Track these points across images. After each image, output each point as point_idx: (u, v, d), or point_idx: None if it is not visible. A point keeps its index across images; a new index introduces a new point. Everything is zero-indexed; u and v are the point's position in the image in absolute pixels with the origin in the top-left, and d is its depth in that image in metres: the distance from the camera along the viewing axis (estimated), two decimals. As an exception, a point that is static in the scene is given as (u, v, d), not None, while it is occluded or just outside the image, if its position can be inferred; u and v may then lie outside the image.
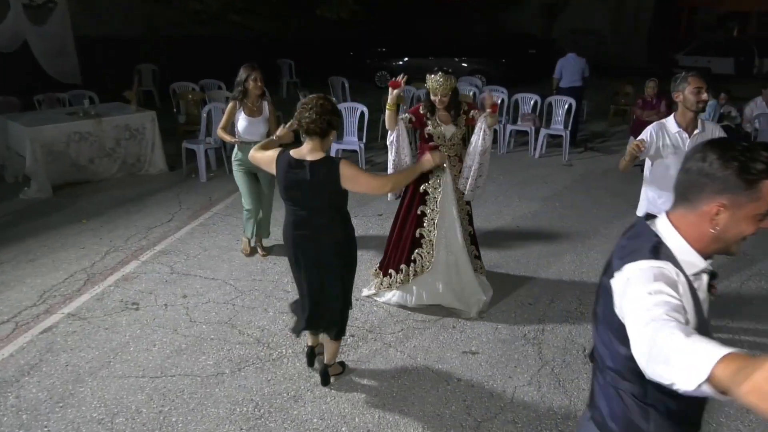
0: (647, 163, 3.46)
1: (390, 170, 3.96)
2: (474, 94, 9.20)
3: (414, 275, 4.02)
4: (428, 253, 3.98)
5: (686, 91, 3.20)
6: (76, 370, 3.41)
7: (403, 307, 4.11)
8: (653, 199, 3.47)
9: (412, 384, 3.33)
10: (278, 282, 4.53)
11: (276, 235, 5.39)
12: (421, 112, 3.89)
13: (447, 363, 3.53)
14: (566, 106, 8.50)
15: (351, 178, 2.77)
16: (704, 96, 3.15)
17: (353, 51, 18.34)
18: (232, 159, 4.75)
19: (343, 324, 3.21)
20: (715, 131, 3.34)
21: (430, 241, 3.97)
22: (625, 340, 1.31)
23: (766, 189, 1.23)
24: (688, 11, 31.35)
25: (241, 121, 4.59)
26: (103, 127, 6.59)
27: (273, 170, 2.91)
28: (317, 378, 3.33)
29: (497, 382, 3.36)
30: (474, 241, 4.18)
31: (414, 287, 4.06)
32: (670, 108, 7.83)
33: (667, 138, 3.29)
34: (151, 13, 11.37)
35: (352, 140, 7.60)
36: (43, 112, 7.30)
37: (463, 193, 3.99)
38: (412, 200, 3.99)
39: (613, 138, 10.07)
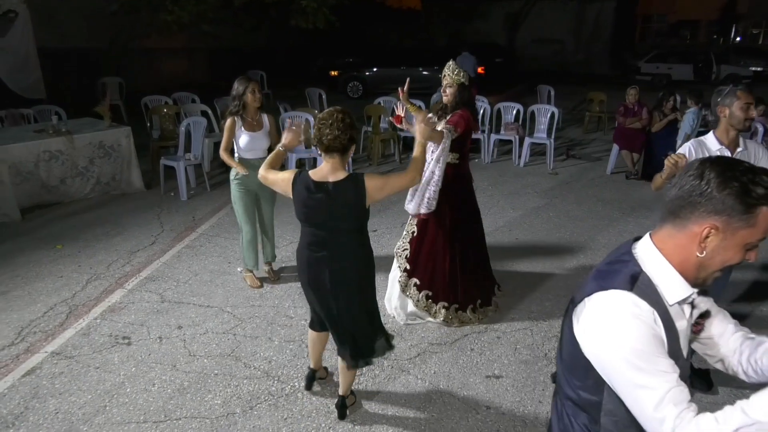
0: None
1: None
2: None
3: None
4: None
5: (734, 107, 2.94)
6: (68, 417, 3.07)
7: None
8: None
9: (439, 415, 3.12)
10: (279, 307, 4.26)
11: (281, 256, 5.10)
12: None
13: (472, 389, 3.34)
14: (549, 114, 8.50)
15: (381, 187, 2.63)
16: (753, 113, 2.94)
17: (321, 62, 18.19)
18: (231, 178, 4.37)
19: (363, 350, 2.92)
20: (759, 151, 3.09)
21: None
22: (578, 373, 1.28)
23: (762, 217, 1.12)
24: (642, 20, 32.46)
25: (243, 137, 4.27)
26: (75, 145, 6.17)
27: (289, 193, 2.68)
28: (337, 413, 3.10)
29: (528, 407, 3.18)
30: (410, 248, 3.91)
31: None
32: (651, 114, 7.96)
33: (706, 156, 3.14)
34: (116, 25, 10.88)
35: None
36: (8, 130, 6.81)
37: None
38: None
39: (592, 145, 10.16)
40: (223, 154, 4.31)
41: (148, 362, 3.57)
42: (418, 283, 3.92)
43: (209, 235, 5.63)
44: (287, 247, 5.35)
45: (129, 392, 3.28)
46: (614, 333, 1.15)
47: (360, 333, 2.88)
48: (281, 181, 2.72)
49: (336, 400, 3.10)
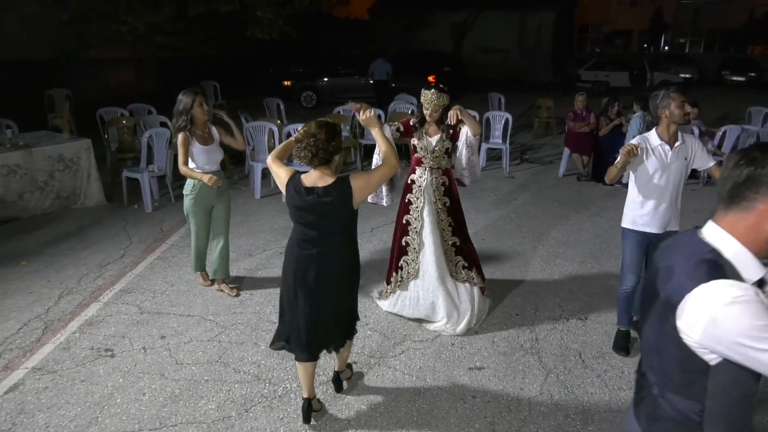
0: (631, 175, 3.62)
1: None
2: (412, 111, 9.39)
3: (400, 282, 4.18)
4: (413, 260, 4.13)
5: (672, 107, 3.34)
6: (59, 431, 3.05)
7: (397, 315, 4.25)
8: (638, 208, 3.60)
9: (429, 407, 3.28)
10: (261, 313, 4.32)
11: (246, 265, 5.17)
12: (411, 123, 4.08)
13: (457, 381, 3.52)
14: (503, 121, 8.87)
15: (366, 184, 2.81)
16: (688, 108, 3.38)
17: (273, 71, 18.16)
18: (186, 193, 4.33)
19: (351, 329, 3.22)
20: (695, 144, 3.50)
21: (414, 249, 4.12)
22: (686, 364, 1.37)
23: None
24: (579, 30, 34.06)
25: (198, 153, 4.20)
26: (33, 159, 5.99)
27: (283, 190, 2.85)
28: (333, 411, 3.20)
29: (510, 395, 3.39)
30: (462, 251, 4.17)
31: (399, 296, 4.22)
32: (599, 119, 8.46)
33: (650, 150, 3.47)
34: (64, 35, 10.55)
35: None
36: (-42, 145, 6.53)
37: (446, 205, 4.14)
38: (401, 210, 4.18)
39: (542, 149, 10.63)
40: (184, 169, 4.19)
41: (134, 373, 3.56)
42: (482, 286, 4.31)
43: (180, 246, 5.60)
44: (260, 255, 5.40)
45: (120, 402, 3.28)
46: (732, 319, 1.25)
47: (344, 323, 3.13)
48: (280, 178, 2.87)
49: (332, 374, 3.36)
